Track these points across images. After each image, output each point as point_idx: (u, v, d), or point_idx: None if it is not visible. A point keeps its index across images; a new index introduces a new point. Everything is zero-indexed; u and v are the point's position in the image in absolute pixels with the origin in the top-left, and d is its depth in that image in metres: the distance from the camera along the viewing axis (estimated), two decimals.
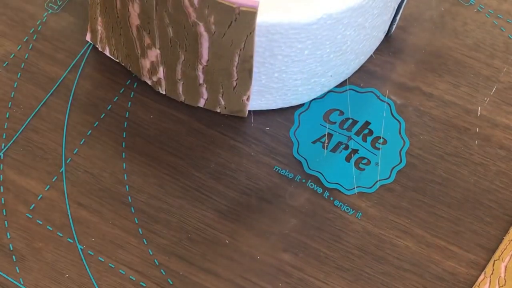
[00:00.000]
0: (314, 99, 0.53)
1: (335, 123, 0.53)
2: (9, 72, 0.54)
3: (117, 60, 0.54)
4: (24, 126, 0.52)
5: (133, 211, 0.50)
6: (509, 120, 0.53)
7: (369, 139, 0.52)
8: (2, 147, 0.52)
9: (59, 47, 0.55)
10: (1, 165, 0.51)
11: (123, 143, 0.52)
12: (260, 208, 0.51)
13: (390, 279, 0.49)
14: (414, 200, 0.51)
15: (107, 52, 0.54)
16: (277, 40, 0.47)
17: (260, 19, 0.45)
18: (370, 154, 0.52)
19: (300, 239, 0.50)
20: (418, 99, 0.54)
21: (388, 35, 0.55)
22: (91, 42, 0.55)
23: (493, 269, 0.49)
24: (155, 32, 0.47)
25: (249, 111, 0.53)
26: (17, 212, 0.50)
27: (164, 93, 0.53)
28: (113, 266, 0.49)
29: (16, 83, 0.54)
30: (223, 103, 0.51)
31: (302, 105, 0.53)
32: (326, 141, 0.52)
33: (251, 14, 0.43)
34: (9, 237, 0.50)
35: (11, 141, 0.52)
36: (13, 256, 0.49)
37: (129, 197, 0.51)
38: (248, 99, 0.50)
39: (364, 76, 0.54)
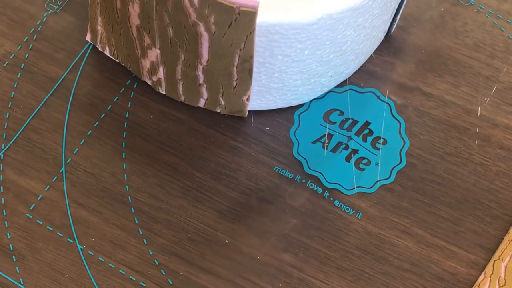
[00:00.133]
0: (314, 99, 0.53)
1: (335, 123, 0.53)
2: (9, 72, 0.54)
3: (117, 60, 0.54)
4: (24, 126, 0.52)
5: (133, 211, 0.50)
6: (509, 120, 0.53)
7: (369, 139, 0.52)
8: (2, 147, 0.52)
9: (59, 47, 0.55)
10: (1, 165, 0.51)
11: (123, 143, 0.52)
12: (260, 208, 0.51)
13: (390, 279, 0.49)
14: (414, 200, 0.51)
15: (107, 52, 0.54)
16: (277, 40, 0.47)
17: (260, 19, 0.45)
18: (370, 154, 0.52)
19: (300, 239, 0.50)
20: (418, 99, 0.54)
21: (388, 35, 0.55)
22: (91, 42, 0.55)
23: (493, 269, 0.49)
24: (155, 32, 0.47)
25: (249, 111, 0.53)
26: (17, 212, 0.50)
27: (164, 93, 0.53)
28: (113, 266, 0.49)
29: (16, 83, 0.54)
30: (223, 103, 0.51)
31: (302, 105, 0.53)
32: (326, 141, 0.52)
33: (251, 14, 0.43)
34: (9, 237, 0.50)
35: (11, 141, 0.52)
36: (13, 256, 0.49)
37: (129, 197, 0.51)
38: (248, 99, 0.50)
39: (364, 76, 0.54)
